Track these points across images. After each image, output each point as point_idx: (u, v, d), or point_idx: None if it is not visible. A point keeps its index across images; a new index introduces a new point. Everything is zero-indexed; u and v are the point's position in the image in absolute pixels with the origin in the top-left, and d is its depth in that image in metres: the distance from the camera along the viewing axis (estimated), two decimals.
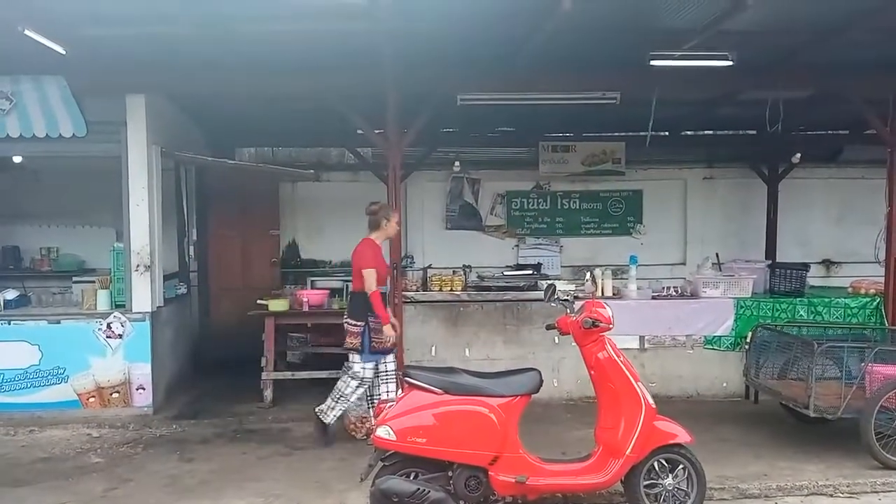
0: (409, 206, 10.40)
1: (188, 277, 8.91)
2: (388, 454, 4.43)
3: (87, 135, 6.97)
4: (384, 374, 6.20)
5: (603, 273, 7.67)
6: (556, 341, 7.37)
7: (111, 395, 7.10)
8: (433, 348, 7.38)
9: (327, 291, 8.05)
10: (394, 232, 6.49)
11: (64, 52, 5.97)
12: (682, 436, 4.58)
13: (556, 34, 5.78)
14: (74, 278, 9.04)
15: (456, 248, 10.31)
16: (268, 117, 9.41)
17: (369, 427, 6.53)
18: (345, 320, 6.22)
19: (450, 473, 4.40)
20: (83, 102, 6.93)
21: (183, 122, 8.50)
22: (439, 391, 4.43)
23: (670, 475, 4.61)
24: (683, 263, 10.60)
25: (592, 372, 4.68)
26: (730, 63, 6.49)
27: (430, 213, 10.55)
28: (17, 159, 8.89)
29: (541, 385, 4.57)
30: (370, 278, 6.02)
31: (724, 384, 7.61)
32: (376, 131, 7.24)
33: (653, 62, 6.45)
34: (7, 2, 5.03)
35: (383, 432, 4.37)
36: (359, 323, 6.08)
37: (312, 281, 9.69)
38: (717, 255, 9.81)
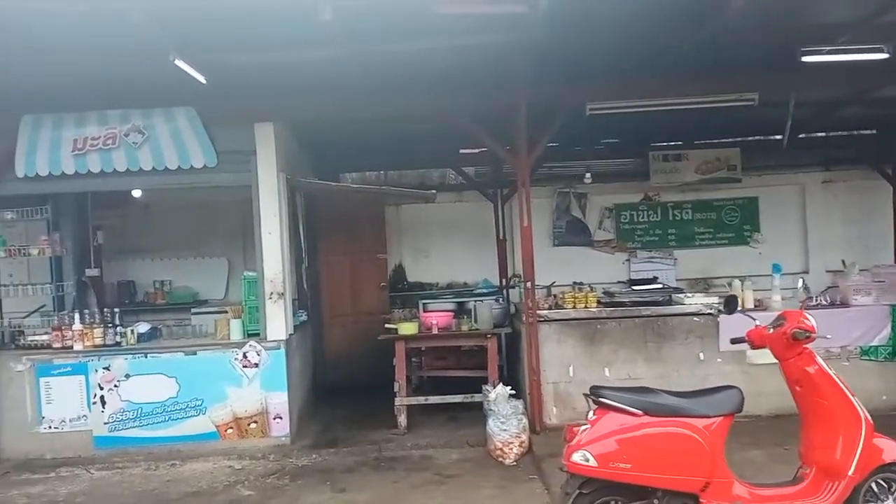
0: (515, 225, 10.18)
1: (307, 304, 8.86)
2: (586, 481, 4.17)
3: (216, 165, 6.97)
4: None
5: (743, 284, 7.31)
6: (702, 358, 7.04)
7: (249, 425, 7.03)
8: (571, 368, 7.11)
9: (452, 313, 7.88)
10: None
11: (205, 81, 5.97)
12: None
13: (708, 38, 5.58)
14: (193, 310, 9.12)
15: (564, 264, 10.04)
16: (370, 141, 9.38)
17: (519, 451, 6.33)
18: None
19: (655, 502, 4.12)
20: (212, 132, 6.96)
21: (296, 148, 8.51)
22: (639, 412, 4.16)
23: (890, 497, 4.24)
24: (806, 272, 10.09)
25: (797, 388, 4.34)
26: (885, 56, 6.15)
27: (535, 230, 10.22)
28: (137, 194, 9.06)
29: (743, 404, 4.26)
30: None
31: (884, 397, 7.12)
32: (505, 148, 7.09)
33: (804, 58, 6.14)
34: (161, 32, 5.03)
35: (580, 457, 4.11)
36: None
37: (424, 304, 9.53)
38: (842, 261, 9.32)
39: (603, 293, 7.59)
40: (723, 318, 7.04)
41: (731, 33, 5.72)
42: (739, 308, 4.75)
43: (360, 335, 9.90)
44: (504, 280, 10.00)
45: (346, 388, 9.17)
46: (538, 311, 7.07)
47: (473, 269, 10.33)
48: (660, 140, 9.92)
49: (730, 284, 7.32)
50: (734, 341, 4.85)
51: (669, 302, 7.33)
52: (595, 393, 4.32)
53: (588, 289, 7.71)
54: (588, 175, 9.36)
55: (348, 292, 9.96)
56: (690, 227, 10.36)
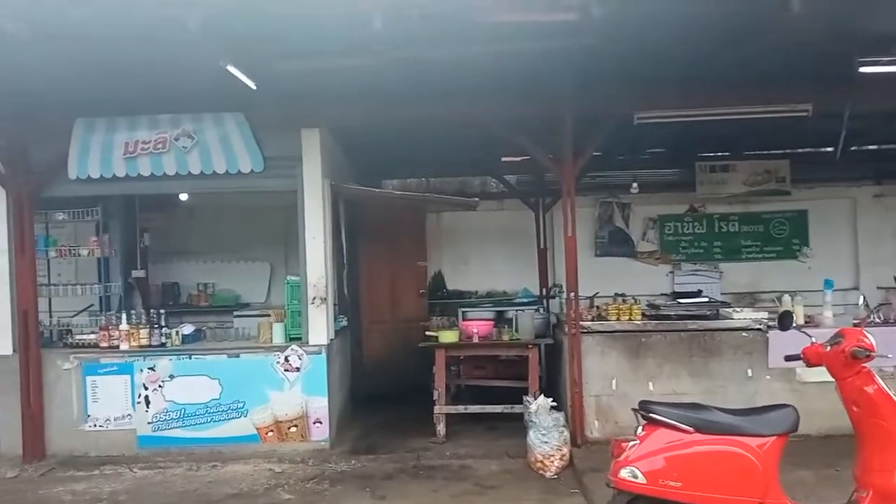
0: (556, 234, 10.11)
1: (347, 310, 8.88)
2: (633, 498, 4.08)
3: (263, 170, 7.03)
4: None
5: (794, 300, 7.13)
6: (750, 374, 6.88)
7: (289, 429, 7.06)
8: (614, 382, 6.99)
9: (493, 322, 7.82)
10: None
11: (255, 87, 6.03)
12: None
13: (761, 46, 5.46)
14: (236, 313, 9.21)
15: (606, 275, 9.87)
16: (412, 148, 9.38)
17: (560, 464, 6.25)
18: None
19: None
20: (259, 138, 7.02)
21: (340, 154, 8.55)
22: (690, 429, 4.05)
23: None
24: (856, 288, 9.82)
25: (855, 408, 4.18)
26: None
27: (577, 240, 10.11)
28: (184, 197, 9.23)
29: (798, 423, 4.13)
30: None
31: None
32: (549, 156, 7.03)
33: (862, 69, 5.97)
34: (214, 39, 5.08)
35: (628, 474, 4.02)
36: None
37: (463, 312, 9.48)
38: (894, 278, 9.07)
39: (647, 305, 7.46)
40: (772, 334, 6.88)
41: (785, 42, 5.61)
42: (794, 324, 4.60)
43: (399, 342, 9.90)
44: (544, 290, 9.91)
45: (383, 395, 9.16)
46: (581, 323, 6.98)
47: (513, 278, 10.25)
48: (706, 150, 9.74)
49: (779, 299, 7.14)
50: (789, 359, 4.70)
51: (716, 316, 7.17)
52: (644, 408, 4.23)
53: (632, 300, 7.59)
54: (635, 185, 9.23)
55: (387, 299, 9.95)
56: (737, 240, 10.16)
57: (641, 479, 3.98)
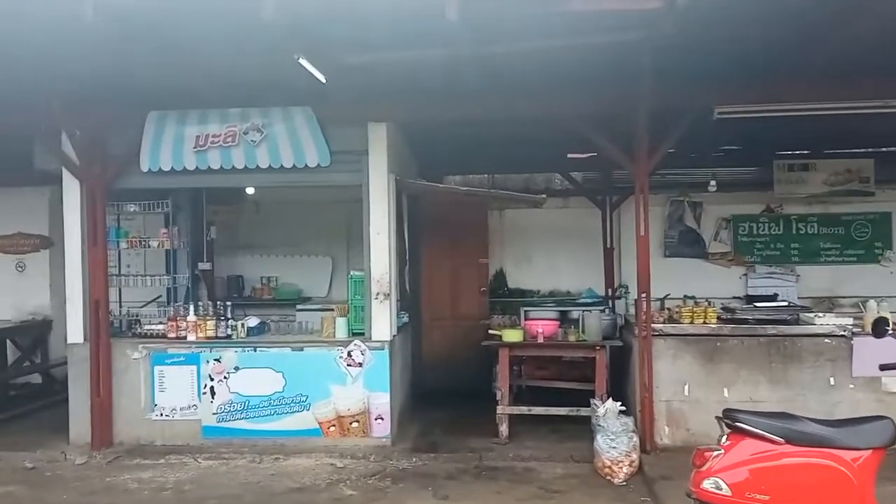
0: (623, 233, 9.83)
1: (409, 306, 8.81)
2: None
3: (330, 164, 7.00)
4: None
5: (879, 305, 6.73)
6: (832, 383, 6.53)
7: (351, 424, 7.01)
8: (686, 387, 6.72)
9: (558, 322, 7.63)
10: None
11: (325, 81, 5.98)
12: None
13: (852, 37, 5.13)
14: (298, 306, 9.22)
15: (675, 276, 9.54)
16: (476, 144, 9.22)
17: (629, 471, 6.03)
18: None
19: None
20: (326, 132, 6.99)
21: (405, 149, 8.48)
22: (780, 440, 3.81)
23: None
24: None
25: None
26: None
27: None
28: (250, 191, 9.30)
29: None
30: None
31: None
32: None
33: None
34: (289, 30, 5.05)
35: (712, 485, 3.81)
36: None
37: (525, 311, 9.29)
38: None
39: (722, 309, 7.14)
40: (857, 340, 6.52)
41: (878, 32, 5.25)
42: (891, 331, 4.29)
43: (459, 339, 9.79)
44: (610, 290, 9.64)
45: (442, 392, 9.08)
46: (653, 325, 6.72)
47: (577, 278, 10.00)
48: (785, 148, 9.30)
49: (863, 304, 6.75)
50: (885, 367, 4.40)
51: (796, 321, 6.83)
52: (729, 417, 4.00)
53: (705, 303, 7.29)
54: (713, 183, 8.86)
55: (448, 296, 9.85)
56: (815, 242, 9.68)
57: (726, 491, 3.77)
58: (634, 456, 6.12)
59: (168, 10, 4.82)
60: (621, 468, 6.03)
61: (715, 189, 8.84)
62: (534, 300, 9.95)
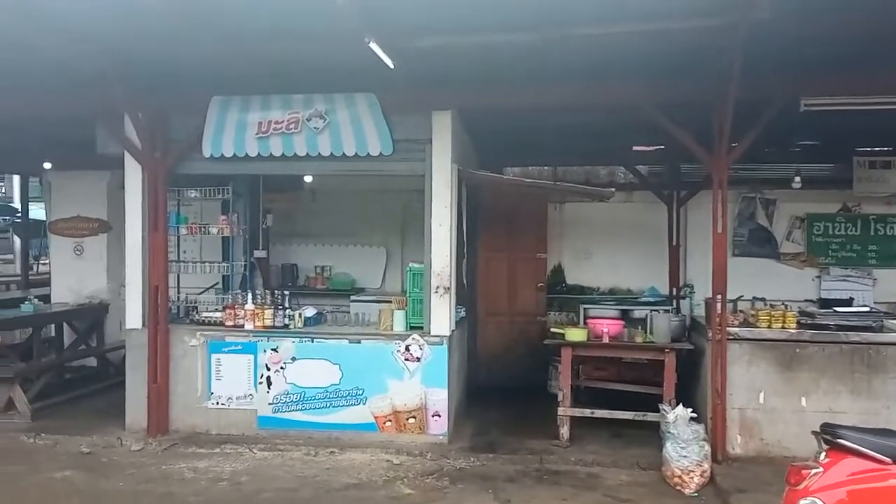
0: (690, 230, 9.44)
1: (465, 300, 8.60)
2: None
3: (392, 153, 6.81)
4: None
5: None
6: None
7: (407, 420, 6.84)
8: (761, 395, 6.37)
9: (623, 322, 7.33)
10: None
11: (393, 66, 5.78)
12: None
13: None
14: (352, 297, 9.11)
15: (744, 277, 9.04)
16: (538, 134, 8.93)
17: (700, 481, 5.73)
18: None
19: None
20: (389, 119, 6.80)
21: (465, 139, 8.27)
22: (887, 460, 3.51)
23: None
24: None
25: None
26: None
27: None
28: (308, 179, 9.19)
29: None
30: None
31: None
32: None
33: None
34: (360, 13, 4.86)
35: None
36: None
37: (585, 309, 9.01)
38: None
39: (799, 313, 6.75)
40: None
41: None
42: None
43: (514, 336, 9.57)
44: (675, 290, 9.27)
45: (496, 389, 8.87)
46: (727, 328, 6.37)
47: (639, 276, 9.65)
48: (866, 144, 8.79)
49: None
50: None
51: (881, 328, 6.41)
52: (830, 432, 3.71)
53: (782, 306, 6.90)
54: (797, 179, 8.42)
55: (504, 291, 9.59)
56: (895, 245, 9.15)
57: None
58: (706, 466, 5.82)
59: None
60: (692, 478, 5.73)
61: (799, 185, 8.41)
62: (593, 297, 9.63)
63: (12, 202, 18.06)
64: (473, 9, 4.88)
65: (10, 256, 18.58)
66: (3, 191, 20.81)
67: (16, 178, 18.85)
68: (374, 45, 5.28)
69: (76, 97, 6.86)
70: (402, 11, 5.01)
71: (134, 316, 7.28)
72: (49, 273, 11.10)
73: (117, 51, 5.91)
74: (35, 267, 14.32)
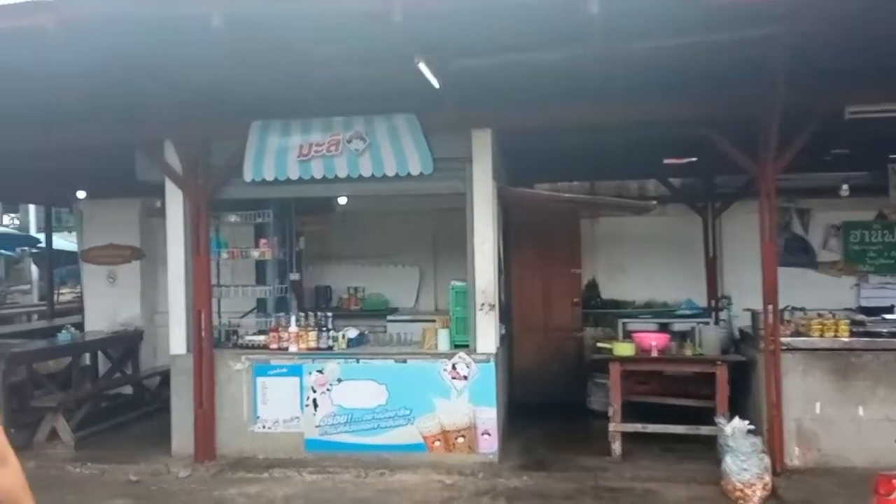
0: (726, 241, 9.42)
1: (505, 317, 8.57)
2: None
3: (432, 172, 6.82)
4: None
5: None
6: None
7: (456, 439, 6.79)
8: (817, 405, 6.30)
9: (669, 335, 7.28)
10: None
11: (438, 86, 5.80)
12: None
13: None
14: (389, 317, 9.08)
15: (781, 287, 8.93)
16: (568, 149, 8.93)
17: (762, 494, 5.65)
18: None
19: None
20: (429, 139, 6.81)
21: (499, 156, 8.28)
22: None
23: None
24: None
25: None
26: None
27: (749, 248, 9.42)
28: (342, 201, 9.20)
29: None
30: None
31: None
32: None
33: None
34: (413, 34, 4.89)
35: None
36: None
37: (624, 323, 8.96)
38: None
39: (850, 321, 6.69)
40: None
41: None
42: None
43: (552, 351, 9.52)
44: (713, 302, 9.21)
45: (534, 406, 8.78)
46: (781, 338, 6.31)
47: (674, 288, 9.60)
48: None
49: None
50: None
51: None
52: None
53: (830, 315, 6.84)
54: (845, 187, 8.40)
55: (540, 306, 9.56)
56: None
57: None
58: (767, 478, 5.74)
59: (283, 14, 4.70)
60: (754, 491, 5.65)
61: (847, 193, 8.37)
62: (629, 311, 9.58)
63: (28, 232, 18.17)
64: (528, 25, 4.89)
65: (27, 287, 18.66)
66: (18, 221, 20.93)
67: (31, 208, 19.03)
68: (422, 66, 5.30)
69: (115, 125, 6.91)
70: (452, 31, 5.05)
71: (178, 341, 7.27)
72: (73, 302, 11.16)
73: (158, 78, 5.96)
74: (56, 296, 14.36)
